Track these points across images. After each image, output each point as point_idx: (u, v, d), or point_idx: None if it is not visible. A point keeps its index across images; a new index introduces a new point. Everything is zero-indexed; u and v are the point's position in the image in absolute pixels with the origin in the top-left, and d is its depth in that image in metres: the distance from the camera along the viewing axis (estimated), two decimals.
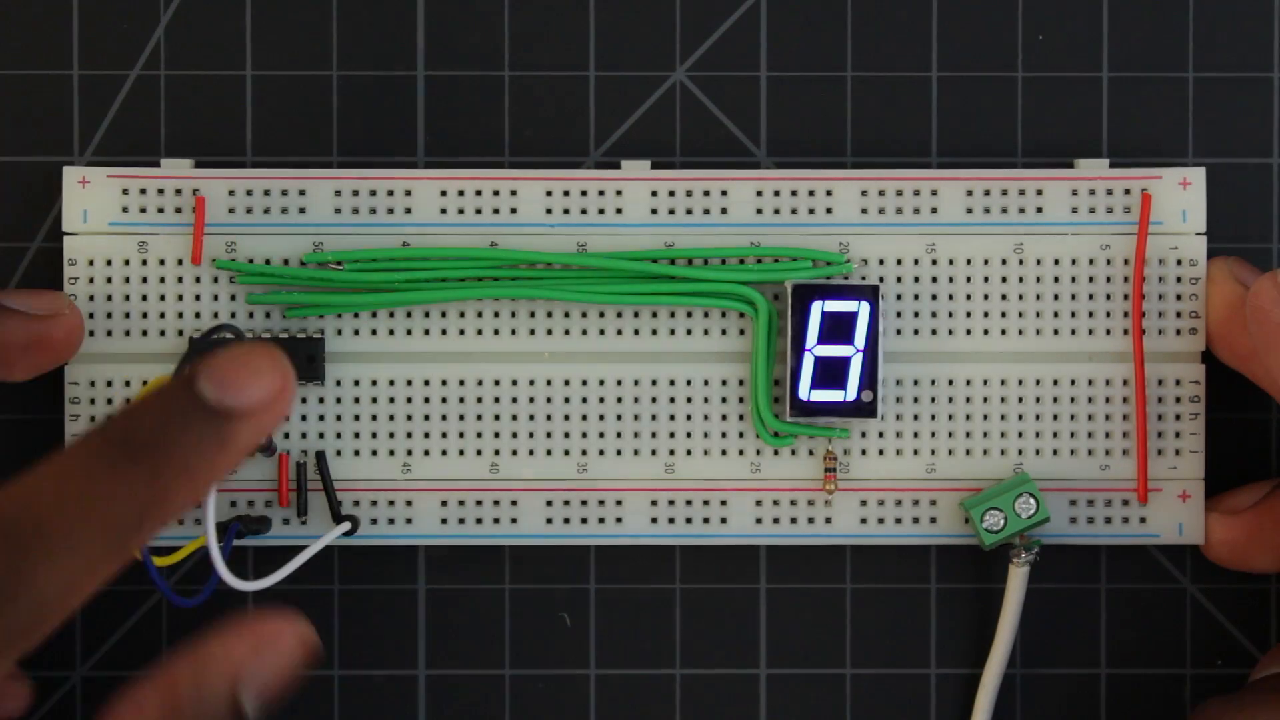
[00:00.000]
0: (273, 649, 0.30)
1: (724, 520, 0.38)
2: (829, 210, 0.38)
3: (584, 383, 0.38)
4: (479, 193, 0.38)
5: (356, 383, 0.38)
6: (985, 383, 0.38)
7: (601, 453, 0.38)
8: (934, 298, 0.38)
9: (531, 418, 0.38)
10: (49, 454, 0.29)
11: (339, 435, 0.38)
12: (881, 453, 0.38)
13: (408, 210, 0.38)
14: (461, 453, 0.38)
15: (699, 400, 0.38)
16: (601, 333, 0.38)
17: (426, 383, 0.38)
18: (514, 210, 0.38)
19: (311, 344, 0.38)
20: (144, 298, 0.38)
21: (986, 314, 0.38)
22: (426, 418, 0.38)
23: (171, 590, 0.34)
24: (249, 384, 0.30)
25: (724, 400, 0.38)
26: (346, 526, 0.37)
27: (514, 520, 0.38)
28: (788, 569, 0.39)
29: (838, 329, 0.37)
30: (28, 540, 0.28)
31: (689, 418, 0.38)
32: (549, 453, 0.38)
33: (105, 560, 0.29)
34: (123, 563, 0.29)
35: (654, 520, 0.38)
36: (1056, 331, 0.38)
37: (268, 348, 0.30)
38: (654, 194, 0.38)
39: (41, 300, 0.37)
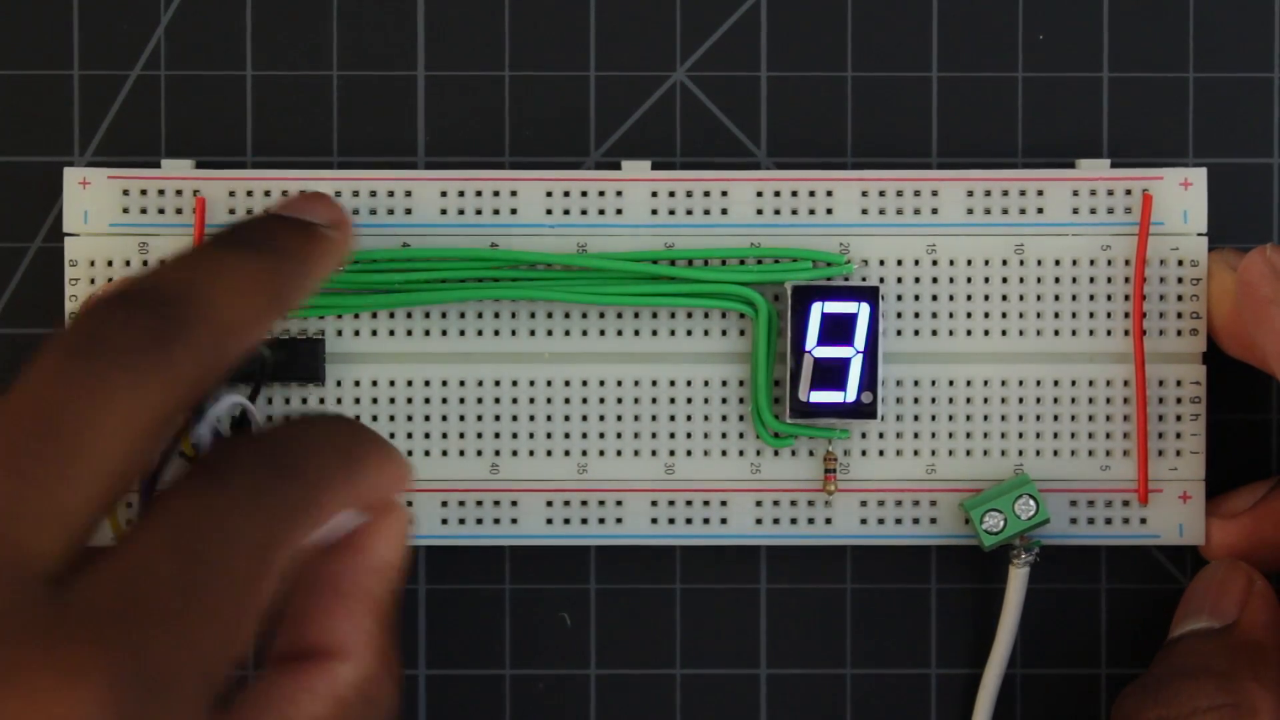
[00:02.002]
0: (404, 531, 0.33)
1: (724, 520, 0.38)
2: (829, 211, 0.38)
3: (584, 383, 0.38)
4: (479, 193, 0.38)
5: (357, 383, 0.38)
6: (985, 383, 0.38)
7: (601, 453, 0.38)
8: (934, 298, 0.38)
9: (531, 418, 0.38)
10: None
11: None
12: (881, 453, 0.38)
13: (408, 211, 0.38)
14: (461, 453, 0.38)
15: (699, 401, 0.38)
16: (601, 333, 0.38)
17: (427, 383, 0.38)
18: (514, 211, 0.38)
19: (312, 345, 0.38)
20: None
21: (987, 314, 0.38)
22: (427, 418, 0.38)
23: None
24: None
25: (724, 401, 0.38)
26: None
27: (514, 520, 0.38)
28: (788, 569, 0.39)
29: (838, 330, 0.37)
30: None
31: (689, 418, 0.38)
32: (549, 453, 0.38)
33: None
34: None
35: (654, 520, 0.38)
36: (1057, 332, 0.38)
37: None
38: (654, 194, 0.38)
39: (325, 208, 0.35)
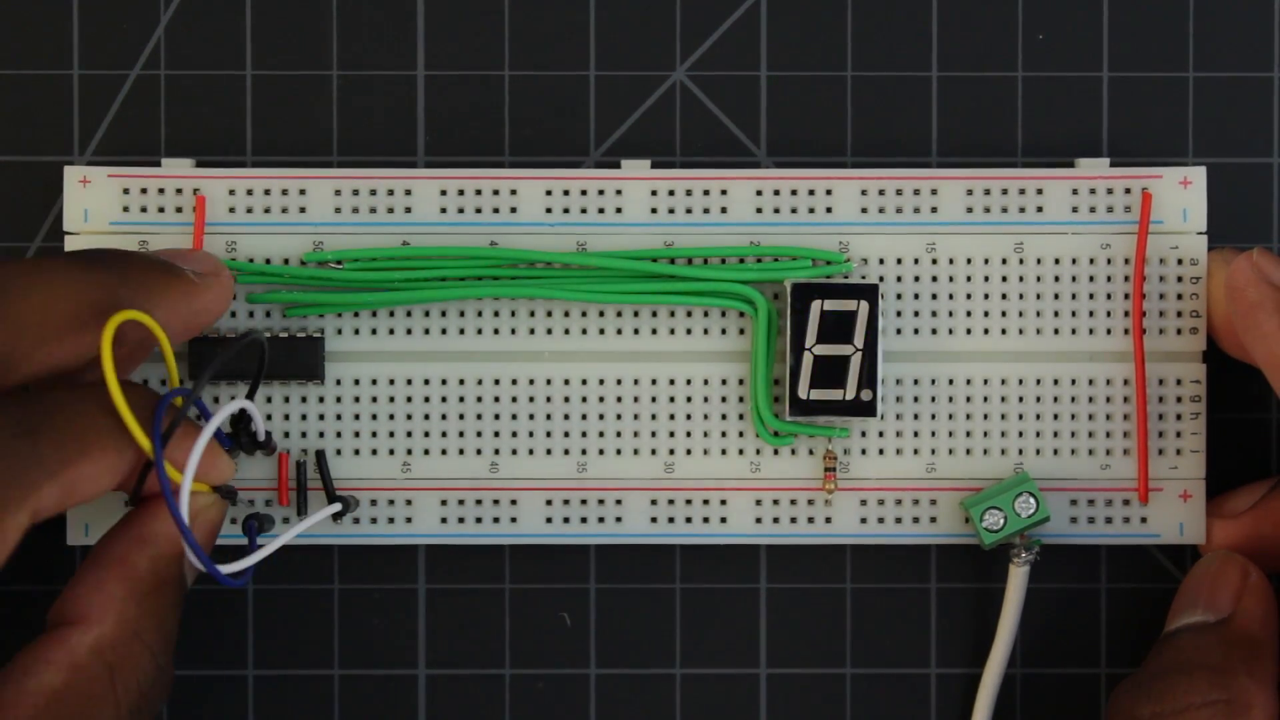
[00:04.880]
0: (201, 521, 0.34)
1: (724, 520, 0.38)
2: (829, 209, 0.38)
3: (584, 382, 0.38)
4: (479, 192, 0.38)
5: (356, 382, 0.38)
6: (985, 382, 0.38)
7: (601, 452, 0.38)
8: (934, 297, 0.38)
9: (531, 417, 0.38)
10: None
11: (339, 434, 0.38)
12: (881, 452, 0.38)
13: (408, 209, 0.38)
14: (461, 452, 0.38)
15: (699, 400, 0.38)
16: (601, 332, 0.38)
17: (426, 382, 0.38)
18: (514, 209, 0.38)
19: (311, 343, 0.38)
20: None
21: (986, 313, 0.38)
22: (426, 417, 0.38)
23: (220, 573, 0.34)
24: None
25: (724, 400, 0.38)
26: (337, 508, 0.37)
27: (514, 520, 0.38)
28: (788, 569, 0.39)
29: (837, 328, 0.37)
30: None
31: (689, 417, 0.38)
32: (549, 452, 0.38)
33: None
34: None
35: (654, 520, 0.38)
36: (1057, 331, 0.38)
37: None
38: (654, 193, 0.38)
39: (200, 261, 0.36)
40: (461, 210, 0.38)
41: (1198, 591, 0.37)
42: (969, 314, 0.38)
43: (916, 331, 0.38)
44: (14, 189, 0.39)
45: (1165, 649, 0.36)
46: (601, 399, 0.38)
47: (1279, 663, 0.36)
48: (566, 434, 0.38)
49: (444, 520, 0.38)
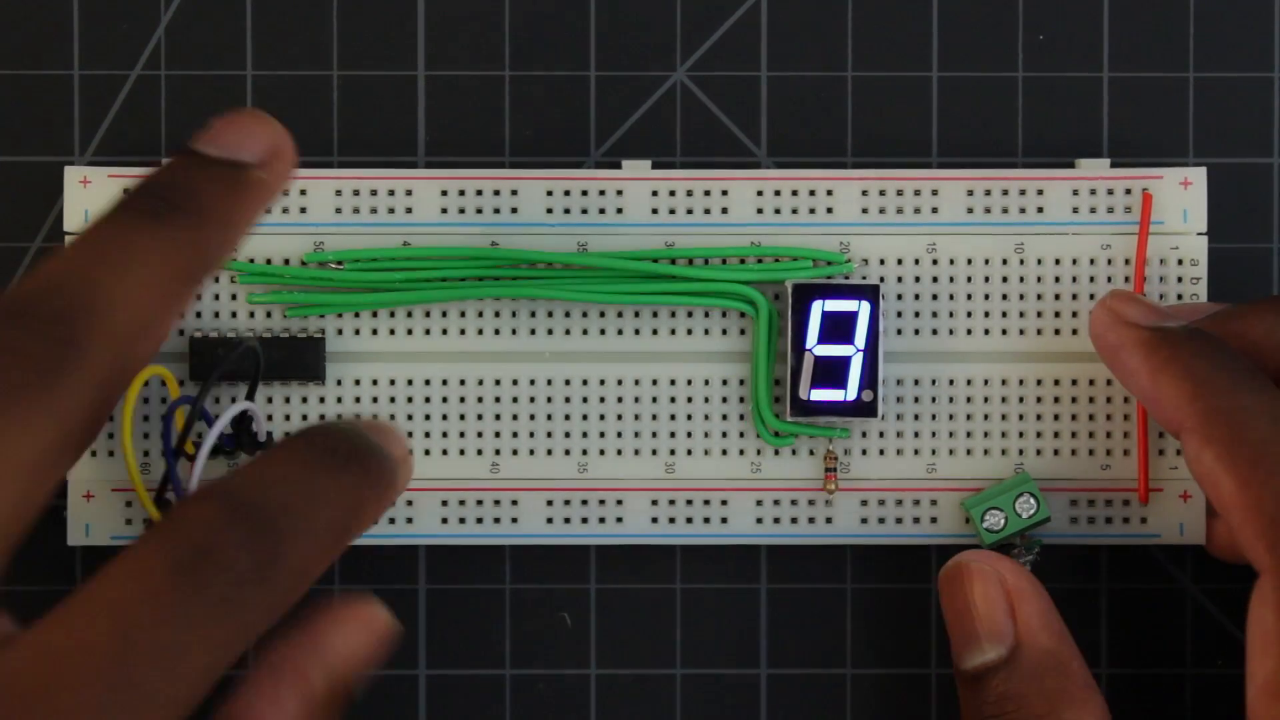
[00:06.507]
0: (371, 633, 0.31)
1: (724, 520, 0.38)
2: (829, 210, 0.38)
3: (584, 382, 0.38)
4: (479, 192, 0.38)
5: (357, 382, 0.38)
6: (986, 383, 0.38)
7: (602, 452, 0.38)
8: (934, 297, 0.38)
9: (532, 417, 0.38)
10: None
11: None
12: (882, 452, 0.38)
13: (408, 210, 0.38)
14: (462, 453, 0.38)
15: (699, 400, 0.38)
16: (602, 332, 0.38)
17: (427, 383, 0.38)
18: (514, 210, 0.38)
19: (312, 343, 0.38)
20: None
21: (987, 314, 0.38)
22: (427, 418, 0.38)
23: None
24: (247, 140, 0.31)
25: (724, 400, 0.38)
26: None
27: (514, 520, 0.38)
28: (788, 569, 0.39)
29: (838, 328, 0.37)
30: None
31: (689, 417, 0.38)
32: (549, 452, 0.38)
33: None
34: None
35: (654, 520, 0.38)
36: (1057, 331, 0.38)
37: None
38: (655, 194, 0.38)
39: (247, 140, 0.31)
40: (462, 210, 0.38)
41: (970, 620, 0.36)
42: (969, 314, 0.38)
43: (917, 332, 0.38)
44: (14, 189, 0.39)
45: (979, 702, 0.35)
46: (602, 399, 0.38)
47: (1086, 665, 0.35)
48: (567, 434, 0.38)
49: (444, 520, 0.38)
